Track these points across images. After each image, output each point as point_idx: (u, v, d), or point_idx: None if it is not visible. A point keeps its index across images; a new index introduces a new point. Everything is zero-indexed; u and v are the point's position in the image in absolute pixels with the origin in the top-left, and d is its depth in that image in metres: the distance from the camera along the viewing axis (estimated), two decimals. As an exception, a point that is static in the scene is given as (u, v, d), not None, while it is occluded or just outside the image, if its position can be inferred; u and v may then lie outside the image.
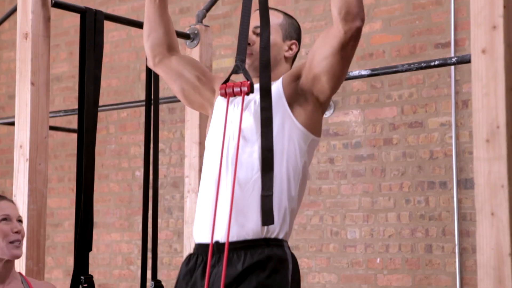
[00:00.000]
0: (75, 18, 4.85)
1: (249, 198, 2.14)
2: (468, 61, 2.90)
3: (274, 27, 2.31)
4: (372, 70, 3.37)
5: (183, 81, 2.45)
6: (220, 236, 2.14)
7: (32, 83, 2.72)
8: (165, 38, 2.50)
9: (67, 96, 5.77)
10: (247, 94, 2.10)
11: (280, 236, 2.15)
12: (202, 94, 2.43)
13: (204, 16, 3.53)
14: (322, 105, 2.26)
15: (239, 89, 2.10)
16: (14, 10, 5.12)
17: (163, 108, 5.13)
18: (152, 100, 3.20)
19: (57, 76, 5.79)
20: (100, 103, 3.08)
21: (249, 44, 2.29)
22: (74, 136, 5.00)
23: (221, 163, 2.15)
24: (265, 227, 2.12)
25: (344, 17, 2.11)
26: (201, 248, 2.22)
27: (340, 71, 2.20)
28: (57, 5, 2.85)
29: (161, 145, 5.16)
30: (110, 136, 5.55)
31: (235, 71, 2.15)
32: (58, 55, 5.82)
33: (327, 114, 4.60)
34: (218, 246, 2.13)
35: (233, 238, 2.11)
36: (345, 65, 2.20)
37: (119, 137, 5.52)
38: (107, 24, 2.97)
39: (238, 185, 2.13)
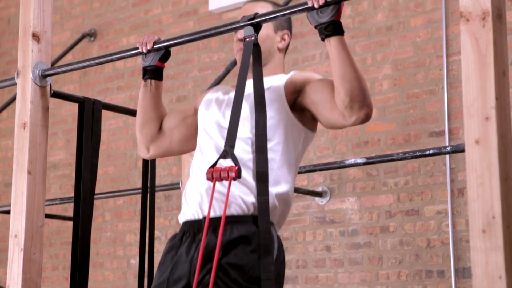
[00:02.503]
0: (73, 106, 4.91)
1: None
2: (463, 150, 2.93)
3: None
4: (367, 158, 3.40)
5: (177, 138, 2.49)
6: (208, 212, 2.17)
7: (29, 172, 2.73)
8: (159, 129, 2.54)
9: (63, 183, 5.77)
10: (234, 179, 2.11)
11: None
12: (195, 123, 2.48)
13: (201, 105, 3.57)
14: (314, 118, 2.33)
15: (226, 174, 2.12)
16: (13, 99, 5.18)
17: (159, 195, 5.13)
18: (148, 187, 3.20)
19: (54, 163, 5.80)
20: (97, 190, 3.08)
21: (242, 40, 2.36)
22: (70, 224, 4.98)
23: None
24: (252, 205, 2.15)
25: (350, 106, 2.15)
26: (187, 225, 2.25)
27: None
28: (56, 95, 2.89)
29: (157, 233, 5.13)
30: (105, 224, 5.53)
31: (223, 156, 2.16)
32: (56, 143, 5.85)
33: (323, 201, 4.60)
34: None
35: (220, 213, 2.14)
36: None
37: (114, 225, 5.50)
38: (105, 112, 3.00)
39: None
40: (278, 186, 2.23)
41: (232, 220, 2.15)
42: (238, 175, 2.10)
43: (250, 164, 2.20)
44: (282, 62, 2.43)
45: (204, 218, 2.18)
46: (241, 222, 2.16)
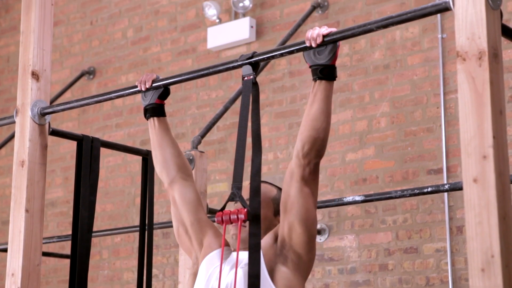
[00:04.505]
0: (72, 144, 4.91)
1: None
2: (461, 188, 2.93)
3: (266, 201, 2.36)
4: (366, 196, 3.39)
5: (180, 221, 2.46)
6: None
7: (27, 210, 2.72)
8: (172, 161, 2.51)
9: (61, 221, 5.75)
10: (244, 221, 2.10)
11: None
12: (191, 241, 2.44)
13: (199, 142, 3.58)
14: (301, 266, 2.24)
15: (235, 216, 2.11)
16: (11, 137, 5.19)
17: (157, 232, 5.11)
18: (146, 225, 3.19)
19: (51, 201, 5.79)
20: (94, 228, 3.07)
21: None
22: (67, 262, 4.95)
23: None
24: None
25: (307, 152, 2.18)
26: None
27: (309, 209, 2.22)
28: (54, 133, 2.89)
29: (154, 271, 5.10)
30: (103, 262, 5.50)
31: (231, 198, 2.16)
32: (54, 181, 5.84)
33: (322, 239, 4.58)
34: None
35: None
36: (313, 202, 2.23)
37: (112, 263, 5.47)
38: (103, 150, 3.00)
39: None
40: None
41: None
42: (247, 217, 2.09)
43: None
44: None
45: None
46: None
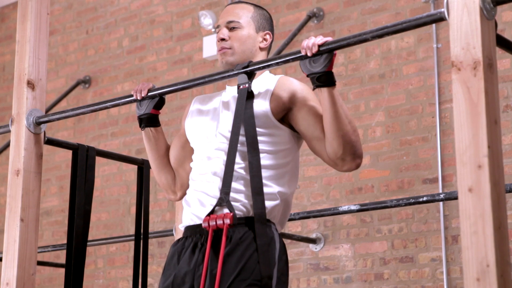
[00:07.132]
0: (67, 152, 4.91)
1: (236, 180, 2.21)
2: (456, 198, 2.93)
3: (246, 20, 2.41)
4: (361, 205, 3.40)
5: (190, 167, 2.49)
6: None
7: (22, 219, 2.72)
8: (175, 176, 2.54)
9: (56, 230, 5.74)
10: (230, 226, 2.12)
11: (268, 217, 2.19)
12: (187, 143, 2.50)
13: (195, 152, 3.58)
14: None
15: (221, 221, 2.13)
16: (6, 146, 5.18)
17: (152, 242, 5.10)
18: (141, 234, 3.19)
19: (46, 210, 5.78)
20: (90, 237, 3.07)
21: (224, 39, 2.39)
22: (62, 271, 4.94)
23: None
24: (252, 207, 2.18)
25: (342, 158, 2.20)
26: (189, 230, 2.26)
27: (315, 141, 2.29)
28: (49, 142, 2.89)
29: (149, 280, 5.09)
30: (98, 271, 5.48)
31: (219, 203, 2.17)
32: (49, 190, 5.83)
33: (317, 248, 4.58)
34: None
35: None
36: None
37: (107, 272, 5.45)
38: (99, 158, 3.00)
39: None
40: (279, 186, 2.25)
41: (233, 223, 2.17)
42: (233, 222, 2.11)
43: (243, 172, 2.23)
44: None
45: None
46: (241, 224, 2.17)
